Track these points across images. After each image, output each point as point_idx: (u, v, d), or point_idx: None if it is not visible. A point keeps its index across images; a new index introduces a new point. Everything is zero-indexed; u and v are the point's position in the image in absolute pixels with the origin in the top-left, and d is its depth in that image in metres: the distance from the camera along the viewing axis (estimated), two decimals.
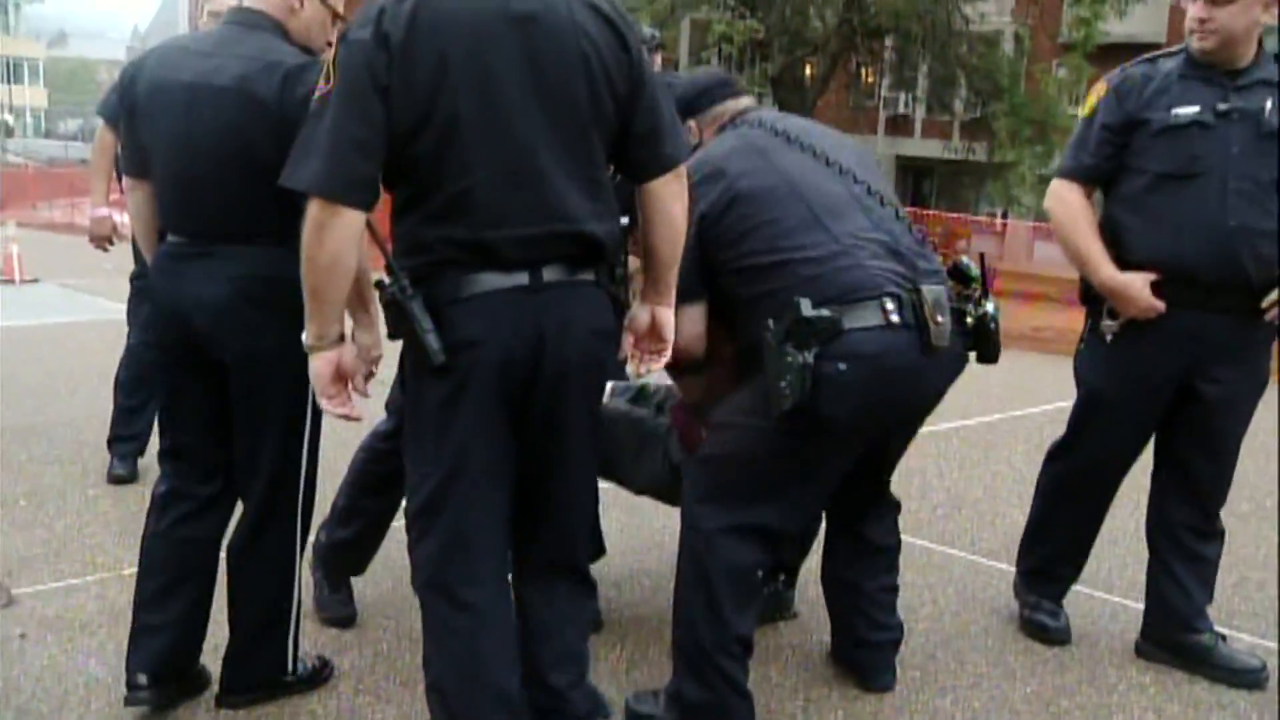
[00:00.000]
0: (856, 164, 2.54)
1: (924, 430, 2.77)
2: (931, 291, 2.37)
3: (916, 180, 29.05)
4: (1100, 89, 3.02)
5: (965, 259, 2.50)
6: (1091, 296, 3.06)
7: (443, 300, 2.03)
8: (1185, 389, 3.00)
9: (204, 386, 2.58)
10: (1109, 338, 3.01)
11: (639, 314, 2.29)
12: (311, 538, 2.97)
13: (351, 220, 1.97)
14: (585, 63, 2.05)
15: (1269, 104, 2.84)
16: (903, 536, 2.93)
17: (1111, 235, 2.98)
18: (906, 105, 28.75)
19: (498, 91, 2.00)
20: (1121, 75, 3.01)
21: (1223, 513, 3.17)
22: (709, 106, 2.69)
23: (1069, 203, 3.02)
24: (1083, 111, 3.05)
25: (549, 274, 2.07)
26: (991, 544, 4.17)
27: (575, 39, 2.04)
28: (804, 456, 2.41)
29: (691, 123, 2.65)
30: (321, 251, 1.98)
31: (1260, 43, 2.89)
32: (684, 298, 2.33)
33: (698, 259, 2.41)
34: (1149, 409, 3.05)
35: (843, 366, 2.27)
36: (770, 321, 2.30)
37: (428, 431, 2.12)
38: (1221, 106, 2.86)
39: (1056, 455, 3.26)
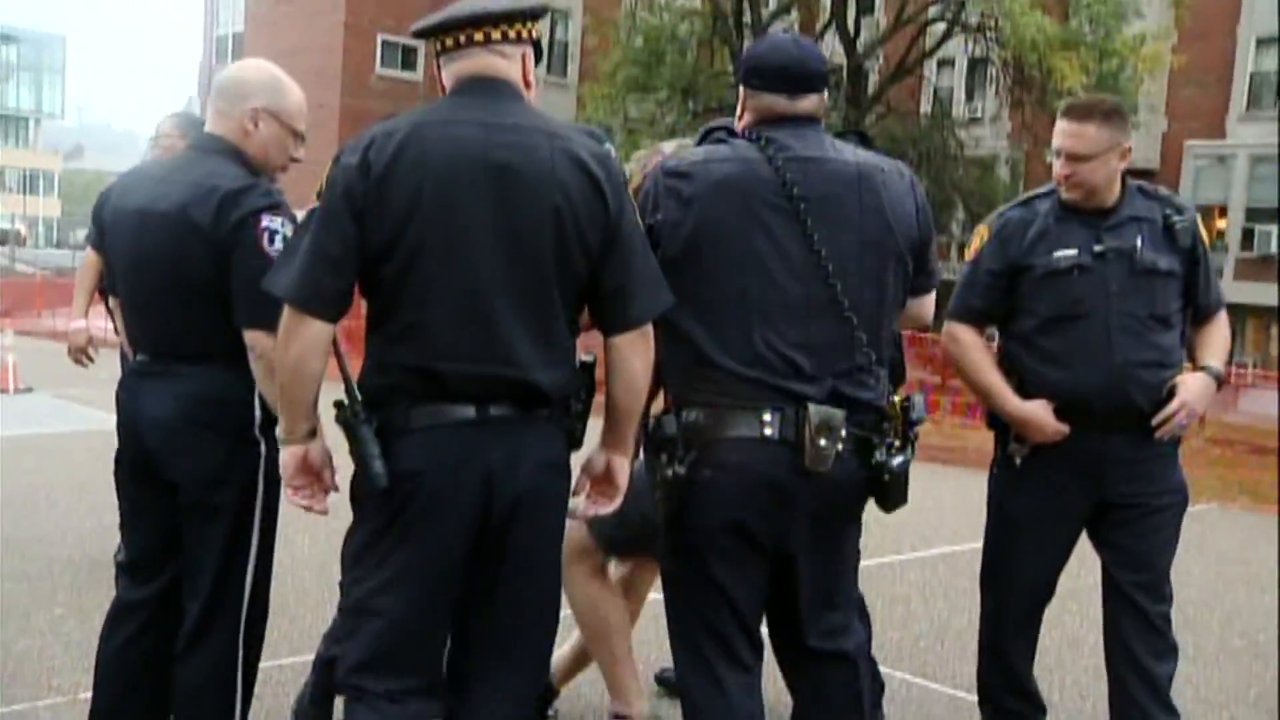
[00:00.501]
0: (855, 253, 2.34)
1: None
2: (819, 412, 2.27)
3: None
4: (983, 233, 3.15)
5: (914, 396, 2.41)
6: (999, 422, 3.17)
7: (393, 428, 2.10)
8: (1100, 508, 3.11)
9: (159, 502, 2.60)
10: (1018, 461, 3.13)
11: (595, 459, 2.31)
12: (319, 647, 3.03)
13: (317, 329, 2.09)
14: (556, 217, 2.10)
15: (1138, 241, 3.02)
16: (882, 668, 2.86)
17: (1009, 369, 3.12)
18: None
19: (462, 232, 2.07)
20: (1001, 220, 3.14)
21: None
22: (757, 89, 2.42)
23: (964, 342, 3.17)
24: (967, 255, 3.18)
25: (496, 409, 2.10)
26: (974, 678, 4.05)
27: (550, 194, 2.09)
28: (696, 570, 2.36)
29: (741, 89, 2.46)
30: (287, 354, 2.10)
31: (1124, 181, 3.08)
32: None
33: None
34: (1063, 529, 3.15)
35: (708, 473, 2.28)
36: (652, 426, 2.34)
37: (366, 548, 2.17)
38: (1097, 248, 3.02)
39: (985, 581, 3.33)
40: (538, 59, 2.28)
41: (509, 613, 2.19)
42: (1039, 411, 3.04)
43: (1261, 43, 22.91)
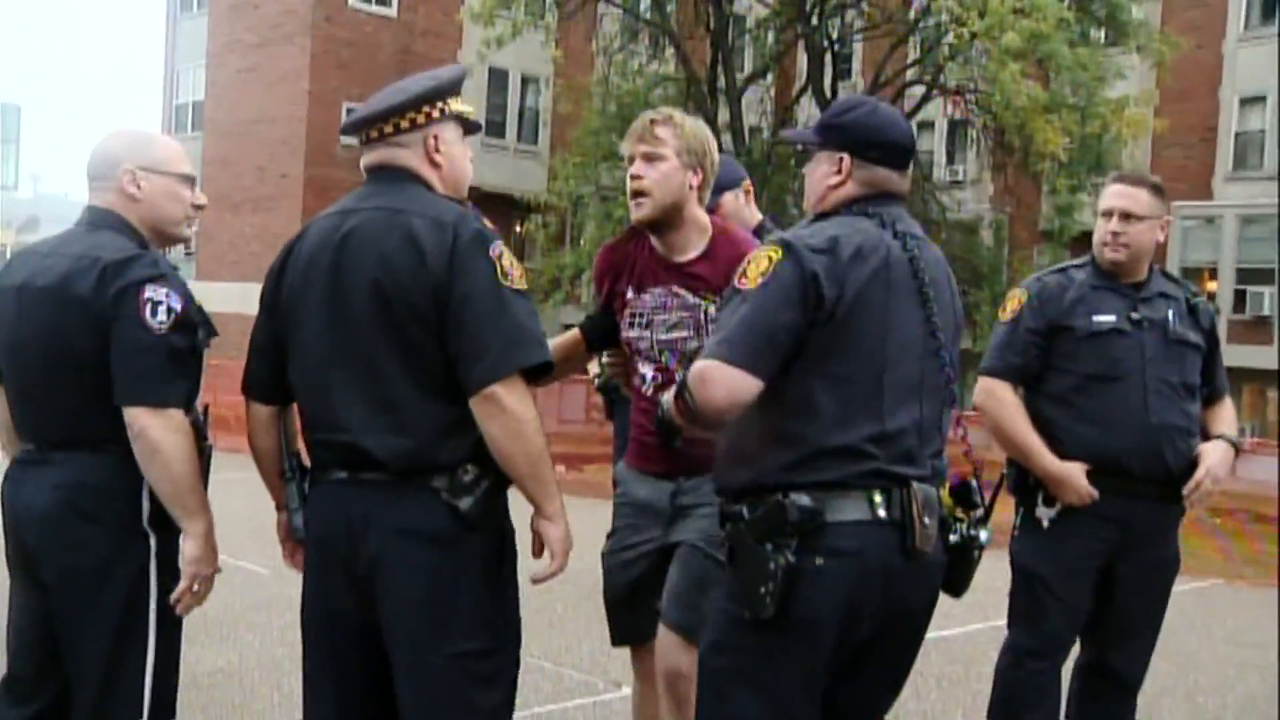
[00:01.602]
0: (952, 329, 2.43)
1: None
2: (923, 489, 2.31)
3: None
4: (1021, 295, 3.40)
5: (973, 480, 2.43)
6: (1024, 487, 3.33)
7: (312, 484, 2.42)
8: (1104, 571, 3.29)
9: (43, 607, 2.51)
10: (1045, 524, 3.28)
11: (534, 523, 2.42)
12: None
13: (254, 411, 2.47)
14: (376, 289, 2.28)
15: (1170, 314, 3.32)
16: None
17: (1042, 429, 3.29)
18: None
19: (307, 306, 2.35)
20: (1040, 284, 3.40)
21: None
22: (874, 161, 2.42)
23: (1003, 399, 3.35)
24: (1003, 316, 3.41)
25: (369, 473, 2.29)
26: None
27: (371, 267, 2.29)
28: (790, 669, 2.29)
29: (845, 155, 2.42)
30: (248, 435, 2.48)
31: (1151, 264, 3.38)
32: (738, 355, 2.21)
33: (775, 320, 2.22)
34: (1082, 591, 3.31)
35: (820, 562, 2.23)
36: (744, 511, 2.27)
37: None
38: (1134, 315, 3.29)
39: (1009, 653, 3.40)
40: (475, 128, 2.53)
41: (405, 689, 2.31)
42: (1075, 471, 3.22)
43: (1245, 102, 23.36)
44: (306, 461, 2.46)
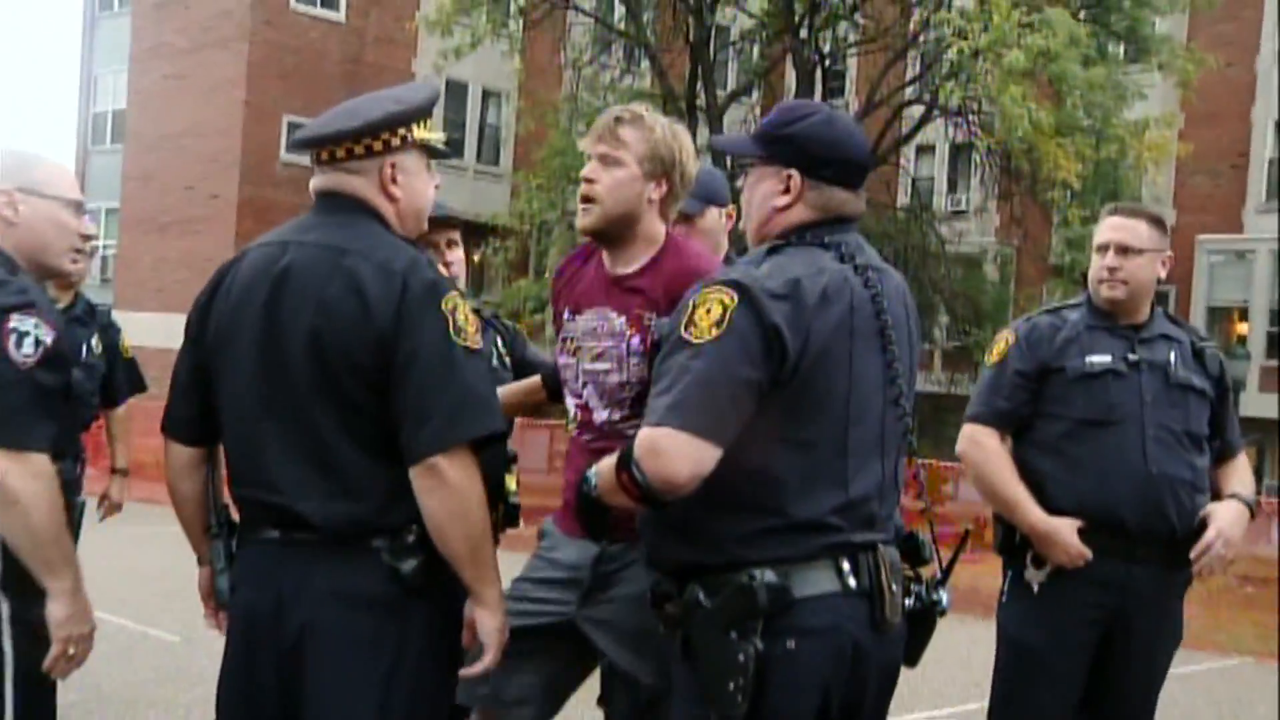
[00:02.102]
0: (909, 371, 2.41)
1: None
2: (889, 553, 2.32)
3: None
4: (1009, 336, 3.43)
5: (920, 533, 2.42)
6: (1012, 546, 3.31)
7: (238, 543, 2.46)
8: (1103, 640, 3.24)
9: None
10: (1035, 588, 3.25)
11: (467, 610, 2.40)
12: None
13: (174, 452, 2.50)
14: (313, 338, 2.28)
15: (1172, 356, 3.32)
16: None
17: (1030, 481, 3.28)
18: None
19: (238, 347, 2.36)
20: (1030, 325, 3.44)
21: None
22: (826, 181, 2.38)
23: (987, 447, 3.35)
24: (989, 359, 3.46)
25: (303, 533, 2.29)
26: None
27: (309, 314, 2.29)
28: None
29: (794, 172, 2.38)
30: (166, 478, 2.51)
31: (1152, 304, 3.41)
32: (698, 422, 2.15)
33: (735, 377, 2.17)
34: (1078, 663, 3.25)
35: (792, 644, 2.19)
36: (700, 595, 2.21)
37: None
38: (1131, 356, 3.29)
39: None
40: (441, 155, 2.54)
41: None
42: (1065, 528, 3.19)
43: None
44: (235, 515, 2.46)
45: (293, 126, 24.84)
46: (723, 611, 2.19)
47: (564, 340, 2.91)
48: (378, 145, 2.39)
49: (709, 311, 2.20)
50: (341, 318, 2.26)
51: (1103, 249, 3.35)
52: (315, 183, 2.46)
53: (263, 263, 2.38)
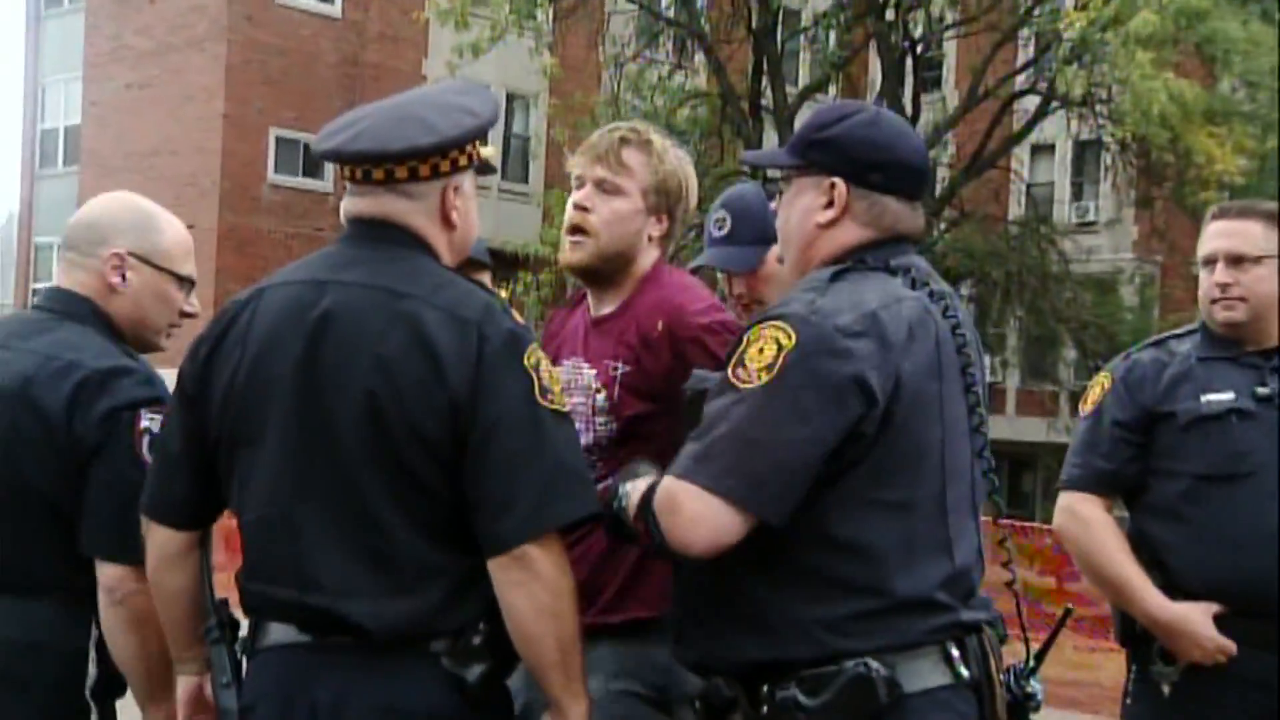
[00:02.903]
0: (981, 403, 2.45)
1: None
2: (993, 636, 2.34)
3: (1014, 474, 29.32)
4: (1104, 380, 3.35)
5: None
6: (1135, 636, 3.23)
7: (249, 648, 2.39)
8: None
9: None
10: (1165, 689, 3.15)
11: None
12: None
13: (162, 539, 2.44)
14: (370, 403, 2.23)
15: None
16: None
17: (1148, 557, 3.20)
18: (995, 373, 29.45)
19: (267, 421, 2.30)
20: (1129, 363, 3.34)
21: None
22: (877, 188, 2.40)
23: (1088, 519, 3.27)
24: (1084, 408, 3.37)
25: (342, 636, 2.25)
26: None
27: (364, 373, 2.24)
28: None
29: (838, 180, 2.39)
30: (147, 569, 2.46)
31: None
32: (723, 483, 2.17)
33: (784, 438, 2.18)
34: None
35: None
36: (798, 695, 2.20)
37: None
38: (1261, 391, 3.16)
39: None
40: (487, 171, 2.53)
41: None
42: (1195, 616, 3.08)
43: None
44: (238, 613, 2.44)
45: (282, 142, 25.23)
46: (837, 711, 2.18)
47: None
48: (446, 165, 2.37)
49: (761, 351, 2.20)
50: (405, 378, 2.22)
51: (1209, 262, 3.21)
52: (355, 206, 2.41)
53: (292, 307, 2.32)
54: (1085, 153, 24.80)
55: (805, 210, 2.42)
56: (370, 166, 2.35)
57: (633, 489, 2.33)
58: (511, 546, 2.21)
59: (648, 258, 2.92)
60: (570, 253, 2.91)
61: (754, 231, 3.14)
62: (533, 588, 2.22)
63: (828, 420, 2.16)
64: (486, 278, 3.57)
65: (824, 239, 2.41)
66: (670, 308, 2.82)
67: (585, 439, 2.79)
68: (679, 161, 2.91)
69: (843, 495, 2.20)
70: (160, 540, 2.44)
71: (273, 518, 2.30)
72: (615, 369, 2.83)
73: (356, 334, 2.26)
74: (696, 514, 2.15)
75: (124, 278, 2.75)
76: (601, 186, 2.86)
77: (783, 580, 2.22)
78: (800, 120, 21.03)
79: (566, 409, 2.33)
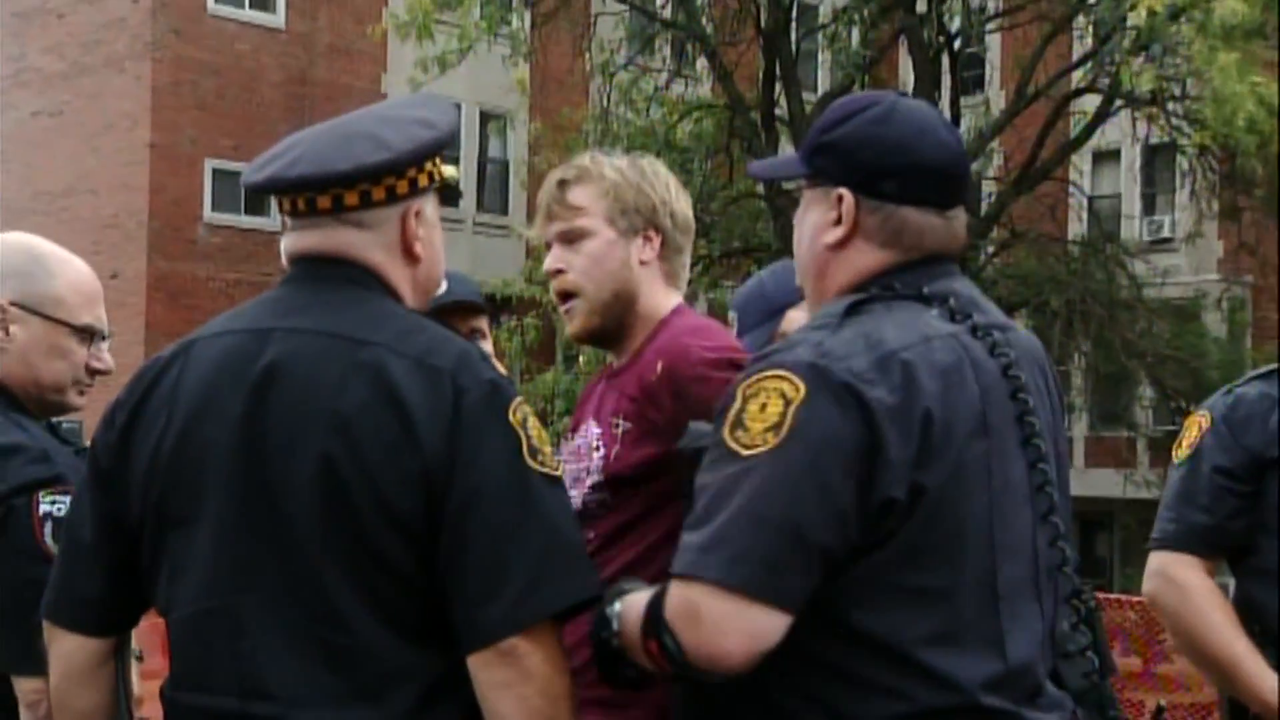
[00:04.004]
0: (1056, 463, 2.39)
1: None
2: None
3: (1085, 536, 29.19)
4: (1202, 420, 3.34)
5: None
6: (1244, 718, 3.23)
7: None
8: None
9: None
10: None
11: None
12: None
13: (70, 648, 2.40)
14: (326, 470, 2.18)
15: None
16: None
17: (1259, 629, 3.19)
18: None
19: (201, 489, 2.26)
20: (1231, 400, 3.34)
21: None
22: (892, 198, 2.35)
23: (1186, 585, 3.25)
24: (1178, 454, 3.36)
25: None
26: None
27: (317, 423, 2.19)
28: None
29: (845, 191, 2.35)
30: (51, 686, 2.43)
31: None
32: (750, 579, 2.11)
33: (802, 514, 2.12)
34: None
35: None
36: None
37: None
38: None
39: None
40: (450, 198, 2.55)
41: None
42: None
43: None
44: None
45: (219, 175, 25.24)
46: None
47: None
48: (403, 186, 2.34)
49: (764, 408, 2.15)
50: (368, 440, 2.17)
51: None
52: (299, 243, 2.38)
53: (228, 360, 2.29)
54: (1157, 158, 24.91)
55: (814, 229, 2.40)
56: (314, 194, 2.31)
57: (626, 608, 2.26)
58: (497, 639, 2.16)
59: (654, 291, 2.96)
60: (570, 324, 2.97)
61: (756, 314, 3.29)
62: (523, 690, 2.17)
63: (850, 490, 2.11)
64: (483, 323, 3.62)
65: (837, 263, 2.38)
66: (673, 348, 2.85)
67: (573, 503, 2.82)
68: (633, 172, 2.96)
69: (863, 580, 2.16)
70: (68, 650, 2.40)
71: (210, 613, 2.25)
72: (617, 425, 2.87)
73: (308, 389, 2.22)
74: (721, 618, 2.08)
75: (7, 332, 2.79)
76: (565, 239, 2.94)
77: (796, 679, 2.18)
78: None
79: (559, 472, 2.29)
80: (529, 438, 2.23)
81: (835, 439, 2.11)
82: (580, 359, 21.16)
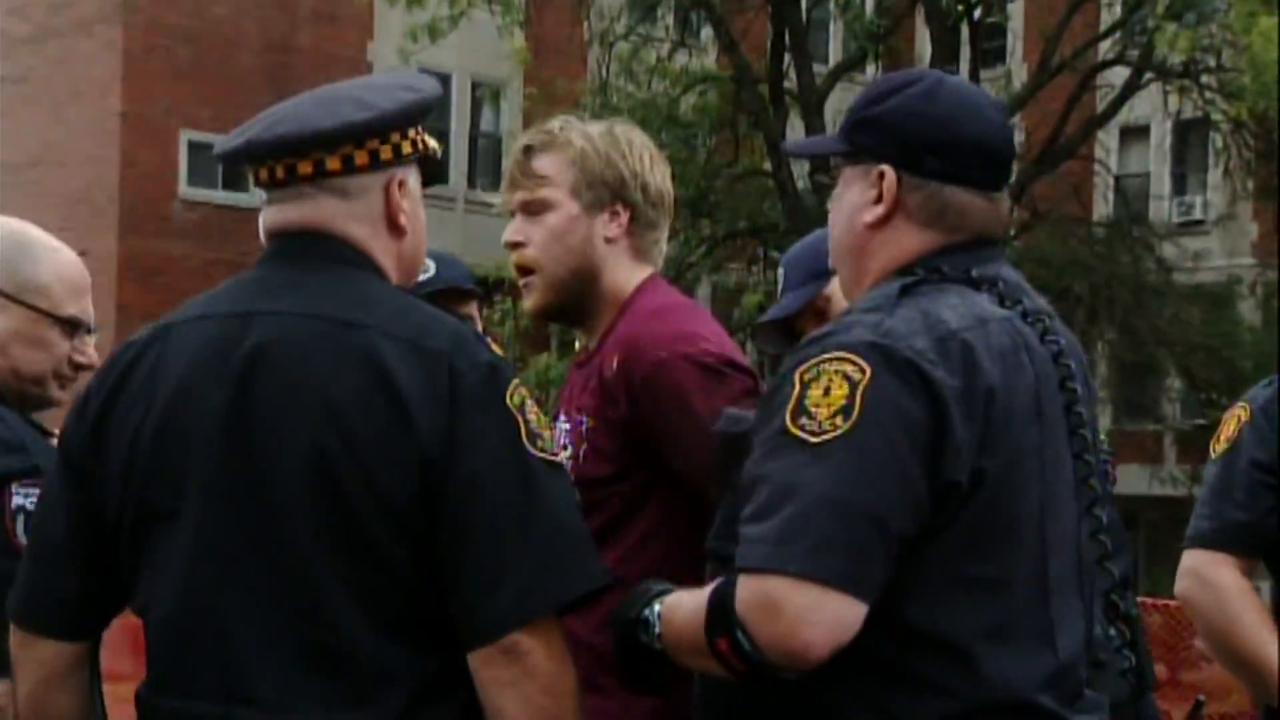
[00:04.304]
0: (1100, 470, 2.44)
1: None
2: None
3: None
4: (1242, 413, 3.34)
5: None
6: None
7: None
8: None
9: None
10: None
11: None
12: None
13: (45, 654, 2.39)
14: (318, 459, 2.18)
15: None
16: None
17: None
18: None
19: (179, 480, 2.25)
20: (1271, 392, 3.36)
21: None
22: (936, 175, 2.36)
23: (1221, 586, 3.24)
24: (1215, 448, 3.37)
25: None
26: None
27: (307, 410, 2.20)
28: None
29: (887, 168, 2.35)
30: (20, 693, 2.41)
31: None
32: (830, 567, 2.09)
33: (881, 496, 2.12)
34: None
35: None
36: None
37: None
38: None
39: None
40: (433, 177, 2.51)
41: None
42: None
43: None
44: None
45: (195, 147, 25.27)
46: None
47: None
48: (387, 152, 2.34)
49: (827, 392, 2.14)
50: (361, 428, 2.18)
51: None
52: (278, 217, 2.38)
53: (210, 346, 2.28)
54: (1189, 135, 24.95)
55: (852, 207, 2.40)
56: (294, 159, 2.31)
57: (671, 609, 2.27)
58: (498, 635, 2.16)
59: (618, 269, 2.95)
60: (526, 300, 3.00)
61: (802, 273, 3.25)
62: (526, 688, 2.18)
63: (922, 474, 2.12)
64: (473, 309, 3.63)
65: (877, 244, 2.38)
66: (628, 341, 2.84)
67: None
68: (605, 139, 2.94)
69: (920, 571, 2.15)
70: (41, 656, 2.39)
71: (192, 612, 2.25)
72: (582, 424, 2.87)
73: (297, 376, 2.22)
74: (803, 610, 2.06)
75: None
76: (527, 209, 2.93)
77: (844, 676, 2.15)
78: (833, 104, 21.17)
79: (560, 458, 2.31)
80: (527, 422, 2.23)
81: (906, 420, 2.12)
82: (575, 344, 21.14)
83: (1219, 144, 21.17)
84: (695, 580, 2.49)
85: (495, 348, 2.36)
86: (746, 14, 21.18)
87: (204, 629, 2.23)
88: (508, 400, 2.23)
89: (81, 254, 3.07)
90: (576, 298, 2.94)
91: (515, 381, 2.27)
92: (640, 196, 2.94)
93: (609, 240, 2.92)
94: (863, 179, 2.38)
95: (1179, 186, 26.25)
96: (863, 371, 2.12)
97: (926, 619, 2.17)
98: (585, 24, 21.44)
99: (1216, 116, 20.27)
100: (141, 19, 24.87)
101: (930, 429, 2.12)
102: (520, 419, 2.22)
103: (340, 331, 2.23)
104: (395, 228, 2.38)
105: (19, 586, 2.39)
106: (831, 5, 23.48)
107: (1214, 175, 23.20)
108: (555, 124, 2.99)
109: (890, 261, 2.36)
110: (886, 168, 2.34)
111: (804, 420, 2.13)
